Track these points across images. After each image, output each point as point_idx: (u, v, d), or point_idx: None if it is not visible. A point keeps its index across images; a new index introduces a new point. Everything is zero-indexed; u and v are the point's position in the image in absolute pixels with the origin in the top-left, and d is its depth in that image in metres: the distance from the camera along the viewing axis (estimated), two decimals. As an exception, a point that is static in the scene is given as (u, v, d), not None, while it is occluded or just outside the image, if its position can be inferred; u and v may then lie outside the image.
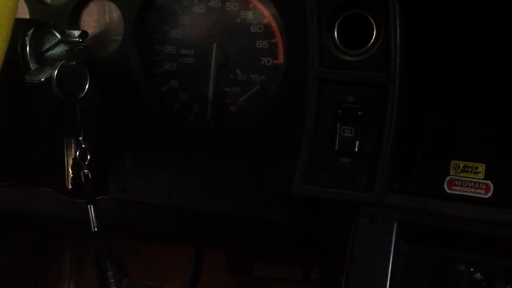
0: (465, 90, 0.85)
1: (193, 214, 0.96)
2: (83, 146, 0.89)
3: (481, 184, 0.81)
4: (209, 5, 0.93)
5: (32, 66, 0.85)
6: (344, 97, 0.81)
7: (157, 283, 1.38)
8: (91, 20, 0.98)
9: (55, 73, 0.84)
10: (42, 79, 0.83)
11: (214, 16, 0.93)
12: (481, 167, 0.81)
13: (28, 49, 0.85)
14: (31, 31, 0.85)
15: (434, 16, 0.84)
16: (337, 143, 0.81)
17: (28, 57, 0.85)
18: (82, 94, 0.88)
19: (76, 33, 0.88)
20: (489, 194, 0.80)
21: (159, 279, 1.39)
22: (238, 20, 0.91)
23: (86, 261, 1.45)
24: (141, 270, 1.41)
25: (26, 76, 0.84)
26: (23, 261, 1.38)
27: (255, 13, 0.91)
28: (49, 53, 0.87)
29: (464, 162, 0.82)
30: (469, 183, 0.81)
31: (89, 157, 0.90)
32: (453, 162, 0.82)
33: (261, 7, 0.90)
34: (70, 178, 0.91)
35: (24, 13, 0.97)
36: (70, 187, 0.91)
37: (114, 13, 0.97)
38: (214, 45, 0.91)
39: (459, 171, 0.82)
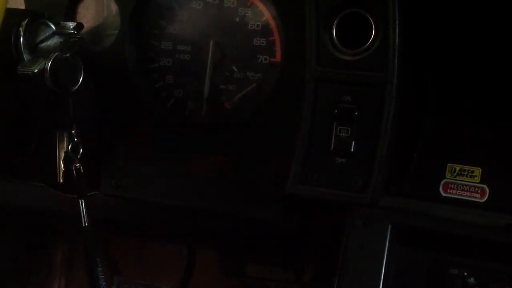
0: (462, 93, 0.85)
1: (185, 212, 0.95)
2: (76, 139, 0.88)
3: (476, 188, 0.80)
4: (207, 1, 0.92)
5: (26, 57, 0.85)
6: (341, 97, 0.80)
7: (148, 281, 1.37)
8: (88, 13, 0.98)
9: (49, 65, 0.83)
10: (36, 71, 0.82)
11: (211, 12, 0.92)
12: (477, 171, 0.81)
13: (22, 40, 0.84)
14: (25, 21, 0.85)
15: (433, 18, 0.83)
16: (332, 143, 0.81)
17: (22, 48, 0.84)
18: (76, 87, 0.87)
19: (71, 25, 0.87)
20: (485, 198, 0.80)
21: (151, 277, 1.38)
22: (236, 17, 0.91)
23: (78, 257, 1.44)
24: (133, 268, 1.40)
25: (19, 67, 0.83)
26: (13, 256, 1.37)
27: (253, 10, 0.90)
28: (43, 44, 0.87)
29: (460, 166, 0.81)
30: (464, 186, 0.81)
31: (81, 151, 0.89)
32: (449, 165, 0.82)
33: (259, 4, 0.90)
34: (61, 172, 0.90)
35: (19, 3, 0.96)
36: (61, 181, 0.90)
37: (111, 7, 0.96)
38: (211, 41, 0.91)
39: (455, 174, 0.81)
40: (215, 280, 1.28)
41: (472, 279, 0.77)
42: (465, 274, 0.77)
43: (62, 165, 0.90)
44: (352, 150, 0.80)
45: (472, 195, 0.80)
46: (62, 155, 0.89)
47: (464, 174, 0.81)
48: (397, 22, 0.77)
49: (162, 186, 0.93)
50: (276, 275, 1.20)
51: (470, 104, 0.84)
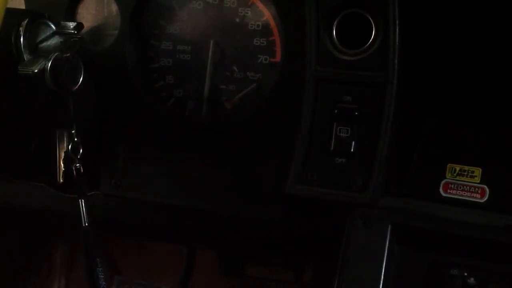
0: (463, 93, 0.85)
1: (185, 212, 0.95)
2: (76, 139, 0.88)
3: (477, 188, 0.80)
4: (207, 1, 0.92)
5: (26, 57, 0.84)
6: (341, 97, 0.80)
7: (148, 281, 1.37)
8: (88, 13, 0.97)
9: (49, 65, 0.83)
10: (36, 71, 0.82)
11: (212, 12, 0.92)
12: (477, 171, 0.81)
13: (22, 40, 0.84)
14: (25, 21, 0.85)
15: (433, 17, 0.83)
16: (332, 143, 0.81)
17: (22, 48, 0.84)
18: (76, 87, 0.87)
19: (71, 24, 0.87)
20: (485, 199, 0.80)
21: (151, 277, 1.38)
22: (236, 17, 0.91)
23: (78, 257, 1.44)
24: (133, 268, 1.40)
25: (19, 67, 0.83)
26: (13, 256, 1.37)
27: (254, 10, 0.90)
28: (43, 44, 0.86)
29: (461, 166, 0.81)
30: (465, 187, 0.81)
31: (81, 151, 0.89)
32: (449, 166, 0.82)
33: (259, 4, 0.90)
34: (61, 172, 0.90)
35: (19, 3, 0.96)
36: (61, 181, 0.90)
37: (111, 7, 0.96)
38: (211, 41, 0.91)
39: (455, 174, 0.81)
40: (215, 280, 1.28)
41: (472, 279, 0.77)
42: (465, 274, 0.77)
43: (62, 165, 0.90)
44: (352, 150, 0.80)
45: (472, 195, 0.80)
46: (62, 155, 0.89)
47: (464, 174, 0.81)
48: (397, 22, 0.77)
49: (162, 186, 0.93)
50: (276, 275, 1.20)
51: (470, 104, 0.84)
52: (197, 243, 1.20)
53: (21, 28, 0.84)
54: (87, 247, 0.89)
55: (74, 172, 0.89)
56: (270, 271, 1.21)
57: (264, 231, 0.93)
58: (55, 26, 0.89)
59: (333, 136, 0.80)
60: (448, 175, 0.81)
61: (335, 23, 0.81)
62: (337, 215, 0.83)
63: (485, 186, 0.80)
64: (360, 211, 0.81)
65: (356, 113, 0.79)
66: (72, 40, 0.86)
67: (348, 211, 0.82)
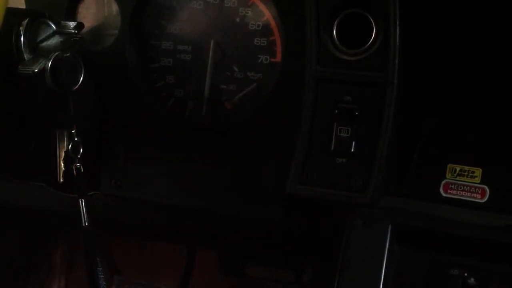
0: (463, 93, 0.85)
1: (185, 212, 0.95)
2: (76, 139, 0.88)
3: (477, 189, 0.80)
4: (208, 1, 0.92)
5: (26, 56, 0.84)
6: (341, 97, 0.80)
7: (148, 281, 1.38)
8: (88, 13, 0.98)
9: (49, 64, 0.83)
10: (36, 70, 0.82)
11: (212, 12, 0.92)
12: (478, 171, 0.81)
13: (22, 39, 0.84)
14: (26, 21, 0.84)
15: (433, 18, 0.83)
16: (333, 143, 0.81)
17: (22, 48, 0.84)
18: (76, 87, 0.87)
19: (72, 24, 0.87)
20: (485, 199, 0.80)
21: (151, 277, 1.38)
22: (236, 17, 0.91)
23: (78, 257, 1.44)
24: (133, 268, 1.40)
25: (19, 67, 0.83)
26: (13, 256, 1.37)
27: (254, 10, 0.90)
28: (44, 44, 0.86)
29: (461, 166, 0.81)
30: (465, 187, 0.81)
31: (81, 150, 0.89)
32: (449, 166, 0.82)
33: (260, 4, 0.90)
34: (61, 171, 0.90)
35: (20, 3, 0.96)
36: (61, 180, 0.90)
37: (112, 7, 0.96)
38: (212, 41, 0.91)
39: (455, 174, 0.81)
40: (215, 280, 1.28)
41: (472, 279, 0.77)
42: (465, 274, 0.77)
43: (62, 164, 0.90)
44: (352, 150, 0.80)
45: (472, 196, 0.80)
46: (62, 154, 0.89)
47: (464, 175, 0.81)
48: (397, 22, 0.77)
49: (162, 186, 0.93)
50: (276, 275, 1.20)
51: (470, 104, 0.84)
52: (197, 243, 1.20)
53: (21, 28, 0.84)
54: (87, 247, 0.89)
55: (74, 171, 0.89)
56: (270, 271, 1.21)
57: (264, 231, 0.93)
58: (55, 25, 0.89)
59: (333, 136, 0.81)
60: (448, 175, 0.81)
61: (336, 23, 0.81)
62: (337, 215, 0.83)
63: (485, 187, 0.80)
64: (360, 211, 0.81)
65: (356, 113, 0.79)
66: (72, 39, 0.86)
67: (348, 211, 0.82)
